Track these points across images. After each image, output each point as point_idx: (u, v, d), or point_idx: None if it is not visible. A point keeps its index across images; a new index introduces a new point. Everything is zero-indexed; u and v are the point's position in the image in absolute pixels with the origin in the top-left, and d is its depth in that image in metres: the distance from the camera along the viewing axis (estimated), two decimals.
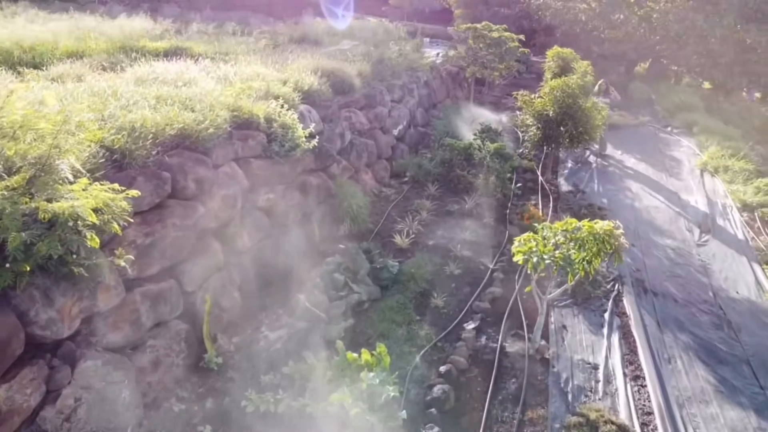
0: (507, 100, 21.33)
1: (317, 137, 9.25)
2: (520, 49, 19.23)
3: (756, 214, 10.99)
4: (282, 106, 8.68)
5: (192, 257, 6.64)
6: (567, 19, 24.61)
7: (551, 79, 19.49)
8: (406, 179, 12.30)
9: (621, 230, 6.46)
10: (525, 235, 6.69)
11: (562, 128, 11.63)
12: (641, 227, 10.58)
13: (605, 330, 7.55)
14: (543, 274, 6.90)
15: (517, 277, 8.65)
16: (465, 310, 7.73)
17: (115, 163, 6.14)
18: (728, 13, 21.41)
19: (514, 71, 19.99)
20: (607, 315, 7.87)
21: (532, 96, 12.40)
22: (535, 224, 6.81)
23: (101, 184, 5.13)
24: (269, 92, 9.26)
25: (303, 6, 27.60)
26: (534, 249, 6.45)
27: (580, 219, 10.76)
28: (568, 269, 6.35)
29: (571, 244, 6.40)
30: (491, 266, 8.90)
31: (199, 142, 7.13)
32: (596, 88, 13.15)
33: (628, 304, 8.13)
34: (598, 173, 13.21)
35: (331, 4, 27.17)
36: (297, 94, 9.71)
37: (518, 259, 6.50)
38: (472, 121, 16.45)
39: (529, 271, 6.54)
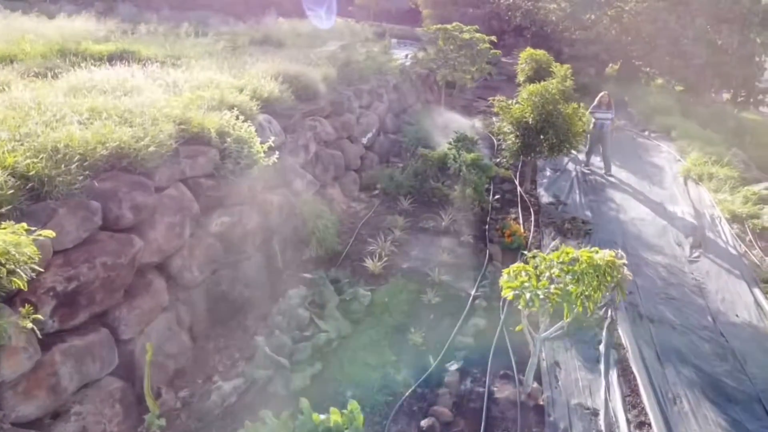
0: (478, 103, 20.69)
1: (278, 151, 8.34)
2: (492, 51, 18.55)
3: (746, 225, 10.43)
4: (237, 118, 7.72)
5: (129, 299, 5.64)
6: (537, 19, 24.11)
7: (524, 82, 18.93)
8: (376, 192, 11.44)
9: (623, 260, 5.69)
10: (515, 267, 5.88)
11: (542, 136, 10.90)
12: (629, 242, 9.91)
13: (602, 366, 6.80)
14: (534, 308, 6.10)
15: (501, 305, 7.85)
16: (446, 346, 6.89)
17: (32, 193, 5.12)
18: (700, 15, 21.15)
19: (486, 74, 19.30)
20: (602, 347, 7.12)
21: (510, 102, 11.66)
22: (523, 252, 6.00)
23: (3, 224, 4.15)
24: (223, 101, 8.29)
25: (266, 5, 26.42)
26: (526, 283, 5.64)
27: (563, 233, 10.16)
28: (566, 306, 5.58)
29: (568, 277, 5.62)
30: (472, 293, 8.08)
31: (138, 163, 6.13)
32: (597, 101, 12.39)
33: (623, 334, 7.40)
34: (579, 182, 12.56)
35: (314, 5, 26.26)
36: (255, 103, 8.76)
37: (508, 294, 5.69)
38: (445, 126, 15.67)
39: (521, 308, 5.74)
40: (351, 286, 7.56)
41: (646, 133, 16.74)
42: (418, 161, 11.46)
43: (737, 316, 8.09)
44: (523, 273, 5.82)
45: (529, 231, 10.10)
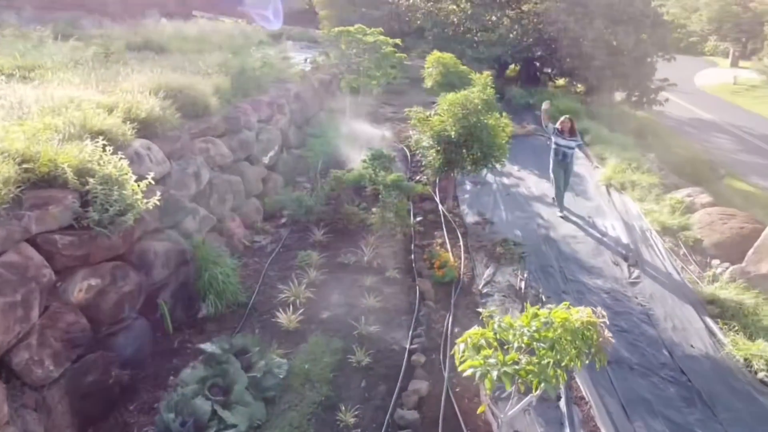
0: (384, 109, 19.57)
1: (162, 184, 6.74)
2: (397, 54, 17.49)
3: (678, 238, 9.94)
4: (105, 148, 6.05)
5: None
6: (439, 21, 23.39)
7: (431, 87, 18.04)
8: (283, 221, 9.97)
9: (604, 318, 4.66)
10: (473, 334, 4.69)
11: (465, 151, 9.89)
12: (566, 265, 9.09)
13: (567, 431, 5.79)
14: (507, 387, 4.95)
15: (442, 357, 6.70)
16: (385, 426, 5.61)
17: None
18: (597, 16, 21.25)
19: (391, 78, 18.19)
20: (563, 404, 6.12)
21: (428, 113, 10.56)
22: (487, 317, 4.83)
23: None
24: (86, 127, 6.56)
25: (146, 5, 23.89)
26: (491, 358, 4.47)
27: (496, 259, 9.16)
28: (540, 380, 4.47)
29: (541, 345, 4.51)
30: (407, 346, 6.85)
31: None
32: (558, 125, 11.17)
33: (582, 384, 6.45)
34: (503, 197, 11.69)
35: (257, 6, 24.27)
36: (130, 126, 7.08)
37: (469, 373, 4.50)
38: (353, 137, 14.42)
39: (486, 392, 4.57)
40: (262, 354, 6.08)
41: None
42: (330, 183, 10.11)
43: (692, 346, 7.40)
44: (483, 341, 4.65)
45: (460, 258, 9.03)
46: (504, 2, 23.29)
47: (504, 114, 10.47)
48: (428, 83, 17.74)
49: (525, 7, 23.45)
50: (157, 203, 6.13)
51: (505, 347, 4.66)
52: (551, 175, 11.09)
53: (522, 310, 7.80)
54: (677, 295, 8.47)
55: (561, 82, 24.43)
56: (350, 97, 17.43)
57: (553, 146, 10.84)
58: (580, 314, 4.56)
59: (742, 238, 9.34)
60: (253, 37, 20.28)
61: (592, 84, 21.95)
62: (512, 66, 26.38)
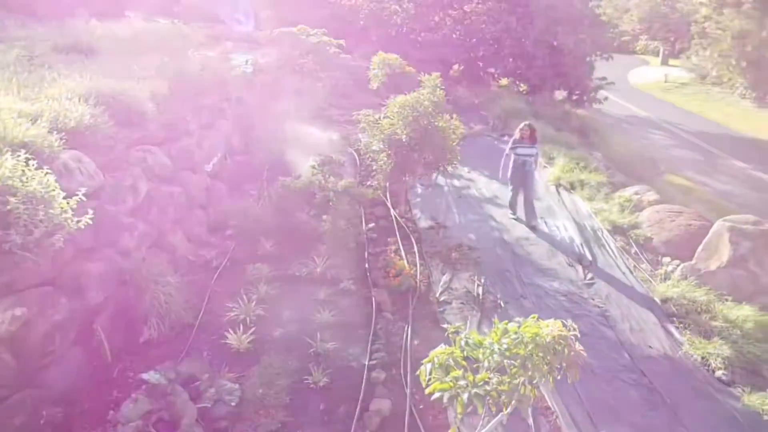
0: (330, 111, 19.17)
1: (95, 200, 6.21)
2: (341, 55, 17.18)
3: (629, 237, 10.00)
4: (28, 162, 5.48)
5: None
6: (382, 21, 23.17)
7: (377, 87, 17.82)
8: (230, 232, 9.47)
9: (575, 331, 4.48)
10: (439, 353, 4.41)
11: (416, 154, 9.66)
12: (522, 269, 8.99)
13: None
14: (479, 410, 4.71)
15: (403, 372, 6.42)
16: None
17: None
18: (538, 16, 21.50)
19: (336, 79, 17.85)
20: (529, 417, 5.95)
21: (378, 116, 10.28)
22: (453, 333, 4.56)
23: None
24: (6, 139, 5.95)
25: (75, 5, 22.68)
26: (461, 380, 4.21)
27: (452, 264, 8.97)
28: (513, 400, 4.26)
29: (511, 362, 4.29)
30: (366, 362, 6.54)
31: None
32: (516, 133, 10.43)
33: (547, 394, 6.30)
34: (455, 200, 11.54)
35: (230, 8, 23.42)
36: (58, 137, 6.49)
37: (437, 395, 4.23)
38: (299, 141, 13.99)
39: (457, 416, 4.31)
40: (212, 381, 5.66)
41: (506, 138, 16.31)
42: (278, 191, 9.69)
43: (650, 347, 7.39)
44: (451, 360, 4.40)
45: (416, 266, 8.78)
46: (446, 3, 23.28)
47: (454, 116, 10.27)
48: (374, 85, 17.51)
49: (467, 8, 23.51)
50: (90, 221, 5.60)
51: (474, 365, 4.43)
52: (509, 184, 10.66)
53: (481, 318, 7.63)
54: (632, 295, 8.49)
55: (504, 81, 24.63)
56: (295, 99, 16.99)
57: (512, 156, 10.33)
58: (551, 328, 4.36)
59: (690, 236, 9.47)
60: (191, 38, 19.52)
61: (534, 83, 22.20)
62: (456, 66, 26.45)
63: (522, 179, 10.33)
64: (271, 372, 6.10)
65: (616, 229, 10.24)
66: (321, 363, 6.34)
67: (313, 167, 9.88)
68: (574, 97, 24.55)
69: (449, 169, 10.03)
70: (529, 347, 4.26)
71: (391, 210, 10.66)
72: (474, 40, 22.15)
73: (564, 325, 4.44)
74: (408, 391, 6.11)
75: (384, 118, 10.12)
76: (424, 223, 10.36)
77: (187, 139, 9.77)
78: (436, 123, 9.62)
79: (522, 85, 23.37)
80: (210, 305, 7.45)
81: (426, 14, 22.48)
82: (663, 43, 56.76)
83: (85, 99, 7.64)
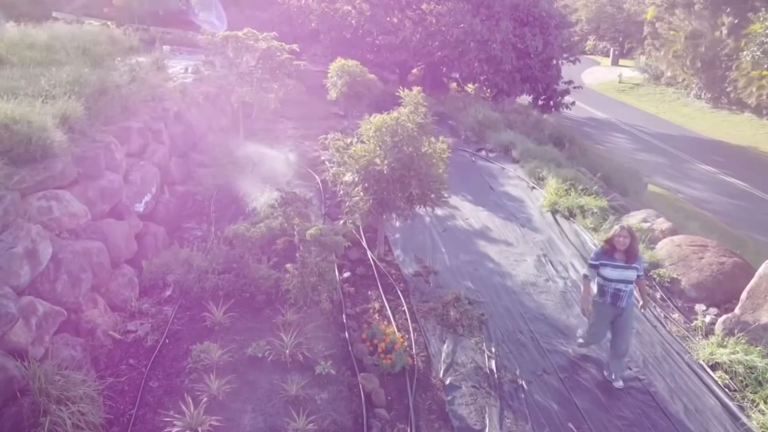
0: (284, 124, 17.22)
1: None
2: (295, 62, 15.21)
3: (652, 279, 8.51)
4: None
5: None
6: (335, 23, 21.28)
7: (337, 97, 15.94)
8: (168, 293, 7.47)
9: None
10: None
11: (399, 188, 7.90)
12: (537, 327, 7.35)
13: None
14: None
15: None
16: None
17: None
18: (503, 17, 20.10)
19: (290, 89, 15.83)
20: None
21: (349, 140, 8.45)
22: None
23: None
24: None
25: None
26: None
27: (452, 326, 7.23)
28: None
29: None
30: None
31: None
32: (605, 242, 6.43)
33: None
34: (439, 234, 9.82)
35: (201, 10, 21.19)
36: None
37: None
38: (251, 163, 12.04)
39: None
40: None
41: (483, 153, 14.72)
42: (229, 234, 7.74)
43: None
44: None
45: (408, 331, 7.03)
46: (404, 3, 21.61)
47: (442, 138, 8.55)
48: (333, 95, 15.66)
49: (425, 7, 21.89)
50: None
51: None
52: (588, 318, 6.65)
53: (502, 407, 5.94)
54: (673, 360, 6.96)
55: (470, 87, 23.14)
56: (243, 110, 14.94)
57: (597, 279, 6.44)
58: None
59: (725, 277, 8.05)
60: (122, 42, 17.15)
61: (502, 88, 20.78)
62: (415, 71, 24.85)
63: (613, 320, 6.40)
64: None
65: None
66: None
67: (273, 205, 7.97)
68: (540, 102, 23.31)
69: (439, 202, 8.27)
70: None
71: (368, 251, 8.87)
72: (436, 42, 20.53)
73: None
74: None
75: (357, 142, 8.31)
76: (409, 268, 8.60)
77: (110, 174, 7.71)
78: (422, 148, 7.88)
79: (488, 90, 21.89)
80: (142, 411, 5.48)
81: (383, 15, 20.71)
82: (611, 43, 56.98)
83: None
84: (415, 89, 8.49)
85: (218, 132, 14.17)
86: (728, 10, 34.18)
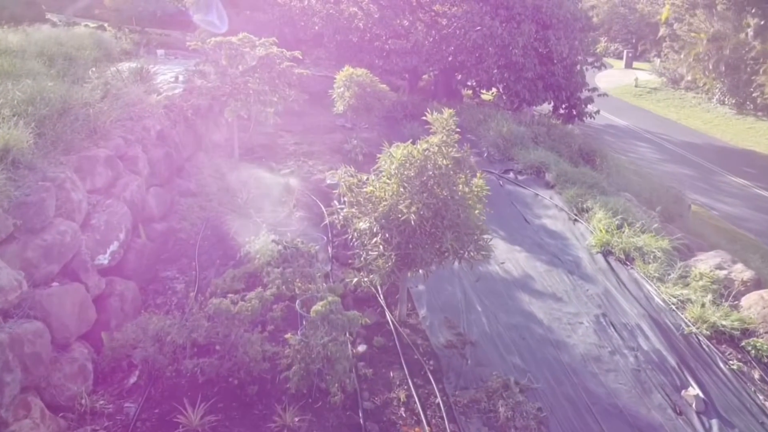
0: (284, 139, 15.49)
1: None
2: (297, 71, 13.53)
3: (745, 350, 6.79)
4: None
5: None
6: (341, 26, 19.57)
7: (344, 110, 14.24)
8: (134, 379, 5.79)
9: None
10: None
11: (430, 242, 6.19)
12: (610, 424, 5.64)
13: None
14: None
15: None
16: None
17: None
18: (525, 19, 18.37)
19: (291, 100, 14.10)
20: None
21: (365, 177, 6.75)
22: None
23: None
24: None
25: None
26: None
27: (502, 428, 5.52)
28: None
29: None
30: None
31: None
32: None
33: None
34: (471, 284, 8.10)
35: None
36: None
37: None
38: (245, 188, 10.36)
39: None
40: None
41: (511, 174, 12.93)
42: (212, 312, 6.04)
43: None
44: None
45: None
46: (416, 4, 19.88)
47: (479, 174, 6.85)
48: (339, 107, 13.96)
49: (437, 8, 20.19)
50: None
51: None
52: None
53: None
54: None
55: (486, 94, 21.38)
56: (239, 125, 13.24)
57: None
58: None
59: None
60: (111, 45, 15.48)
61: (524, 97, 19.03)
62: (425, 77, 23.14)
63: None
64: None
65: (718, 335, 7.01)
66: None
67: (270, 263, 6.26)
68: (562, 111, 21.54)
69: (479, 257, 6.54)
70: None
71: (387, 313, 7.17)
72: (452, 47, 18.80)
73: None
74: None
75: (374, 180, 6.61)
76: (439, 336, 6.89)
77: (61, 223, 6.03)
78: (458, 191, 6.18)
79: (507, 99, 20.10)
80: None
81: (392, 17, 18.99)
82: (624, 45, 55.22)
83: None
84: (447, 112, 6.79)
85: (210, 150, 12.47)
86: (753, 10, 32.47)
